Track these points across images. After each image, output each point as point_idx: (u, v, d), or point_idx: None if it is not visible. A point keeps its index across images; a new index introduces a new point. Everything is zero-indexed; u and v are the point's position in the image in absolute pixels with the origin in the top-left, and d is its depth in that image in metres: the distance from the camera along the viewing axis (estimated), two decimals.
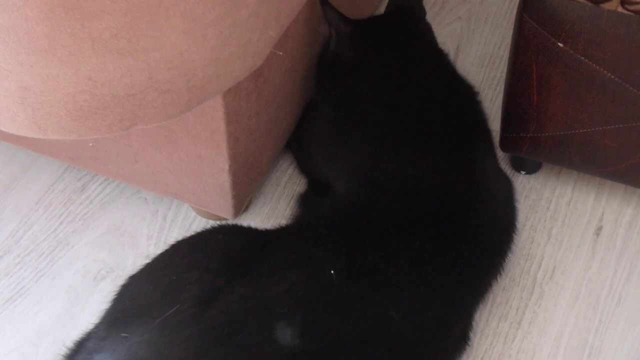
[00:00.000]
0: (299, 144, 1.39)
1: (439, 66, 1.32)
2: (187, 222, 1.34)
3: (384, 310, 1.03)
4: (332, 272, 1.03)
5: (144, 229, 1.34)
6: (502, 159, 1.42)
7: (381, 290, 1.05)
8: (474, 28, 1.65)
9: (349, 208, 1.17)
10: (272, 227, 1.17)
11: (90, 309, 1.25)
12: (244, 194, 1.28)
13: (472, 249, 1.13)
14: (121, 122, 0.93)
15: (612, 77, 1.14)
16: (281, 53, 1.14)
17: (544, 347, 1.20)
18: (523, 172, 1.41)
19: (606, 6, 1.07)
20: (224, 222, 1.26)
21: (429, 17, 1.63)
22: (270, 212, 1.35)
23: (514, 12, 1.18)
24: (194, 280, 1.01)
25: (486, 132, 1.29)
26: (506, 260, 1.21)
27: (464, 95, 1.30)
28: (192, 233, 1.14)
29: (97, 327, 1.07)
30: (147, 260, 1.11)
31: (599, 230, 1.33)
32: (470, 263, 1.12)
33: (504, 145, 1.33)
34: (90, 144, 1.25)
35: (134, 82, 0.89)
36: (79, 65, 0.85)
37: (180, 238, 1.30)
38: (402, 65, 1.29)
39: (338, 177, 1.25)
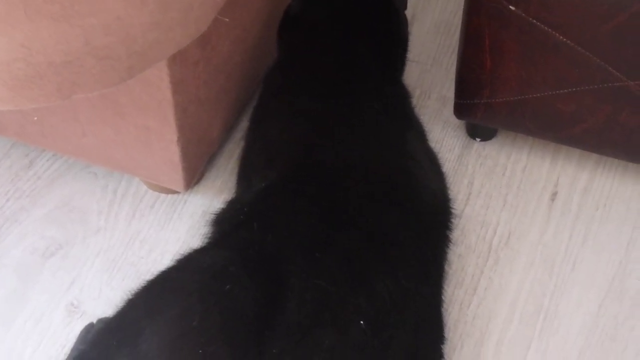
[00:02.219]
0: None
1: (381, 55, 1.29)
2: (138, 196, 1.32)
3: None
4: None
5: (94, 205, 1.31)
6: (458, 126, 1.41)
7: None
8: None
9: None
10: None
11: (40, 286, 1.22)
12: (195, 166, 1.25)
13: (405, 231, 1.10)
14: (59, 90, 0.90)
15: (565, 40, 1.13)
16: (227, 20, 1.11)
17: (500, 313, 1.20)
18: (478, 139, 1.40)
19: None
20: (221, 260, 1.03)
21: None
22: (223, 185, 1.33)
23: None
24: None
25: (412, 121, 1.29)
26: (445, 242, 1.18)
27: (390, 83, 1.30)
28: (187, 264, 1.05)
29: None
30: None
31: (554, 195, 1.32)
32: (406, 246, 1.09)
33: (458, 112, 1.32)
34: (35, 118, 1.21)
35: (70, 49, 0.86)
36: (12, 32, 0.82)
37: (132, 213, 1.29)
38: (347, 40, 1.27)
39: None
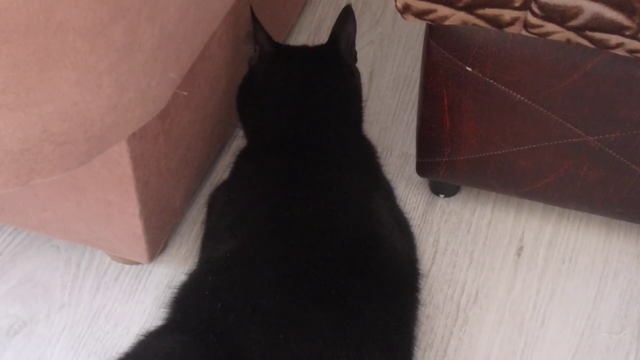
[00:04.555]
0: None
1: (338, 110, 1.30)
2: (102, 269, 1.30)
3: None
4: None
5: (58, 279, 1.29)
6: (421, 183, 1.41)
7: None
8: (387, 51, 1.64)
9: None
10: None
11: None
12: (159, 237, 1.24)
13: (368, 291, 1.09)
14: (17, 177, 0.89)
15: (522, 98, 1.14)
16: (186, 93, 1.11)
17: None
18: (442, 196, 1.40)
19: (510, 30, 1.07)
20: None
21: None
22: (188, 254, 1.32)
23: None
24: None
25: (378, 180, 1.29)
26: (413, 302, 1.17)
27: (355, 145, 1.29)
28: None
29: None
30: None
31: (519, 250, 1.33)
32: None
33: (420, 170, 1.32)
34: None
35: (28, 137, 0.85)
36: None
37: (96, 287, 1.27)
38: (303, 98, 1.28)
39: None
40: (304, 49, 1.38)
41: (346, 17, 1.32)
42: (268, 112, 1.28)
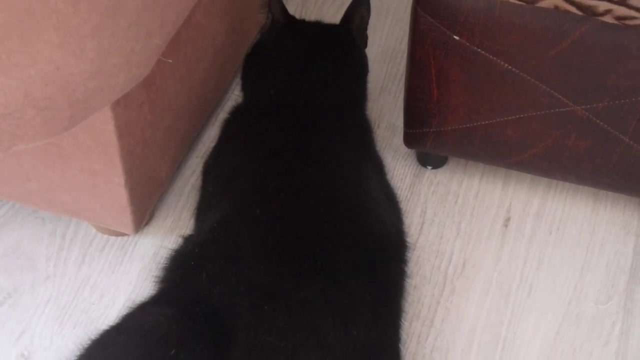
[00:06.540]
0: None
1: (340, 86, 1.30)
2: (87, 240, 1.29)
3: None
4: None
5: (42, 250, 1.28)
6: (409, 155, 1.41)
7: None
8: (375, 23, 1.63)
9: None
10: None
11: None
12: (144, 207, 1.23)
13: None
14: None
15: (510, 67, 1.14)
16: (170, 61, 1.10)
17: (458, 344, 1.19)
18: (429, 167, 1.39)
19: None
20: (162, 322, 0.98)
21: (330, 16, 1.61)
22: (174, 225, 1.31)
23: None
24: None
25: (370, 154, 1.29)
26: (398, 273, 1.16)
27: (350, 121, 1.29)
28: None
29: None
30: None
31: (507, 221, 1.33)
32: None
33: (407, 142, 1.32)
34: None
35: (9, 101, 0.84)
36: None
37: (81, 258, 1.27)
38: (307, 69, 1.28)
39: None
40: (316, 24, 1.39)
41: (361, 0, 1.33)
42: (271, 79, 1.28)
